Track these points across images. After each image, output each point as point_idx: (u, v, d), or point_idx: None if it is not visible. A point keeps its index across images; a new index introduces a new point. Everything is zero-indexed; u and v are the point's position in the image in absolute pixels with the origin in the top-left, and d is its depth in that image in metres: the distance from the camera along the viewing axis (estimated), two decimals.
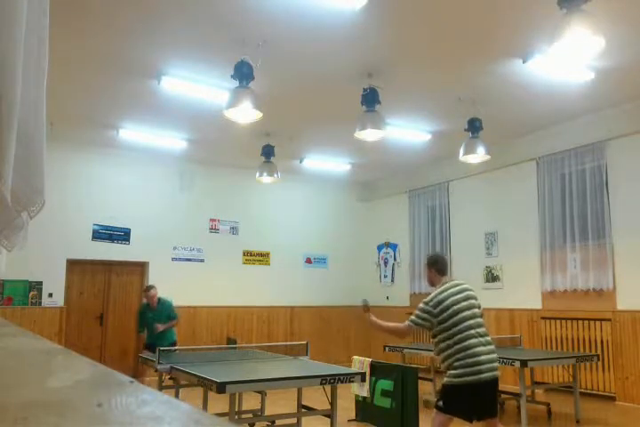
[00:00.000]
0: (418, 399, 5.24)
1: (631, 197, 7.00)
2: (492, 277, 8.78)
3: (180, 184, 9.65)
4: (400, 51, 5.53)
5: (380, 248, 11.26)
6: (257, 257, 10.27)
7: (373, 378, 5.59)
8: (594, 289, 7.30)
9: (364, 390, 5.66)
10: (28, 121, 1.16)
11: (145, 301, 7.15)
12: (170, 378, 5.36)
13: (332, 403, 4.39)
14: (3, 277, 7.90)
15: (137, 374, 8.47)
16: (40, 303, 8.28)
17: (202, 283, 9.46)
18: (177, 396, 5.63)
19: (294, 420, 5.01)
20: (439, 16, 4.85)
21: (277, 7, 4.66)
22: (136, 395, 0.56)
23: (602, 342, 7.14)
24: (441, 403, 3.77)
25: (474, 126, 6.80)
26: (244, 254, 10.14)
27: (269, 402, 5.97)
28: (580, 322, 7.42)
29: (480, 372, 3.66)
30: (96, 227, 8.79)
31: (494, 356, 3.79)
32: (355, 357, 6.00)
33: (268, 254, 10.38)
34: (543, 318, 7.88)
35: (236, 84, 5.33)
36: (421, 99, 6.78)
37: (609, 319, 7.09)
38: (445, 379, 3.78)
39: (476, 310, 3.90)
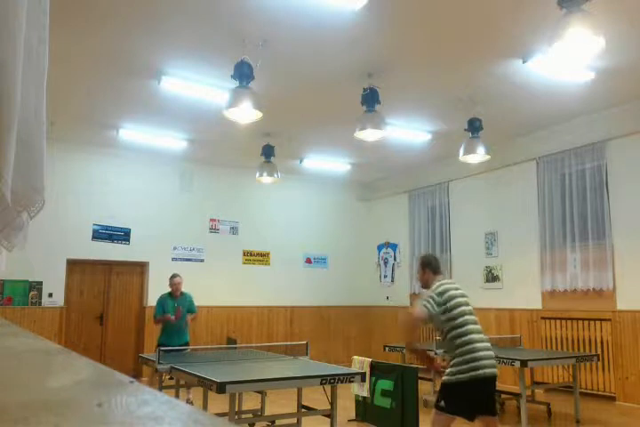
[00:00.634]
0: (418, 399, 5.24)
1: (631, 197, 6.99)
2: (491, 277, 8.78)
3: (179, 184, 9.65)
4: (400, 51, 5.53)
5: (379, 248, 11.26)
6: (257, 257, 10.27)
7: (373, 378, 5.59)
8: (594, 289, 7.30)
9: (363, 390, 5.66)
10: (28, 121, 1.16)
11: (169, 290, 6.92)
12: (170, 378, 5.36)
13: (332, 403, 4.39)
14: (3, 277, 7.90)
15: (137, 375, 8.48)
16: (40, 303, 8.29)
17: (202, 283, 9.45)
18: (177, 396, 5.63)
19: (294, 420, 5.01)
20: (439, 16, 4.85)
21: (277, 7, 4.66)
22: (136, 395, 0.56)
23: (602, 342, 7.14)
24: (442, 403, 3.74)
25: (474, 126, 6.80)
26: (244, 254, 10.14)
27: (269, 402, 5.97)
28: (580, 322, 7.42)
29: (483, 367, 3.64)
30: (96, 227, 8.79)
31: (492, 353, 3.80)
32: (355, 357, 6.00)
33: (267, 254, 10.38)
34: (543, 318, 7.88)
35: (236, 84, 5.33)
36: (421, 99, 6.78)
37: (609, 319, 7.09)
38: (447, 376, 3.74)
39: (472, 309, 3.92)
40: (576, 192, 7.63)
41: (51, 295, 8.37)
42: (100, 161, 8.93)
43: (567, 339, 7.56)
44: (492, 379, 3.74)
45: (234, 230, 10.07)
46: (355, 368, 5.61)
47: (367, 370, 5.54)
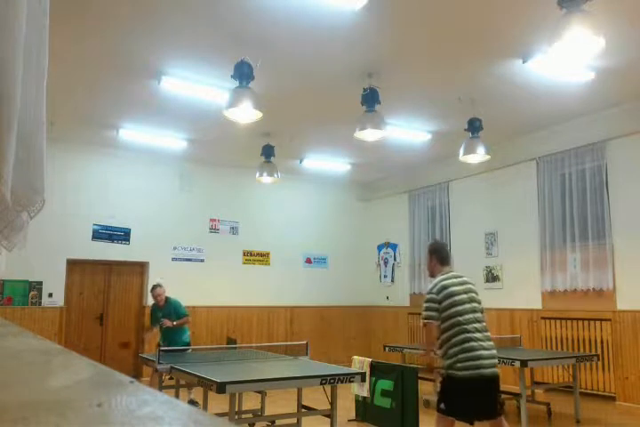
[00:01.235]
0: (418, 399, 5.24)
1: (631, 197, 6.99)
2: (491, 277, 8.78)
3: (179, 184, 9.65)
4: (400, 51, 5.53)
5: (379, 248, 11.26)
6: (257, 257, 10.27)
7: (373, 378, 5.59)
8: (594, 289, 7.30)
9: (363, 390, 5.66)
10: (27, 121, 1.16)
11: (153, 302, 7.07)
12: (170, 378, 5.36)
13: (332, 403, 4.39)
14: (3, 277, 7.90)
15: (137, 375, 8.48)
16: (40, 303, 8.29)
17: (202, 283, 9.46)
18: (177, 396, 5.63)
19: (294, 420, 5.01)
20: (439, 16, 4.85)
21: (277, 7, 4.66)
22: (136, 395, 0.56)
23: (602, 342, 7.14)
24: (442, 405, 3.70)
25: (474, 126, 6.80)
26: (244, 254, 10.14)
27: (269, 402, 5.97)
28: (580, 322, 7.42)
29: (481, 367, 3.58)
30: (96, 227, 8.79)
31: (494, 352, 3.72)
32: (355, 357, 6.00)
33: (267, 254, 10.38)
34: (543, 318, 7.88)
35: (236, 84, 5.33)
36: (421, 99, 6.78)
37: (609, 319, 7.09)
38: (445, 371, 3.69)
39: (477, 305, 3.81)
40: (576, 192, 7.63)
41: (51, 295, 8.37)
42: (100, 161, 8.93)
43: (567, 339, 7.56)
44: (493, 379, 3.68)
45: (234, 230, 10.07)
46: (355, 368, 5.61)
47: (367, 370, 5.54)
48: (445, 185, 9.81)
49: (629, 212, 6.99)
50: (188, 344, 6.84)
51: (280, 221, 10.50)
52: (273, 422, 5.37)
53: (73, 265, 8.71)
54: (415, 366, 5.58)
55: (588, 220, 7.42)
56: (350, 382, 4.33)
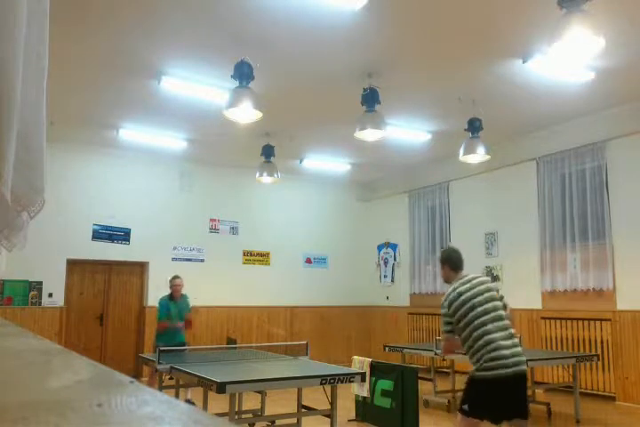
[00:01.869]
0: (418, 399, 5.24)
1: (631, 197, 6.99)
2: (492, 277, 8.77)
3: (179, 184, 9.65)
4: (400, 51, 5.53)
5: (379, 248, 11.26)
6: (257, 257, 10.27)
7: (373, 378, 5.59)
8: (594, 289, 7.30)
9: (364, 390, 5.66)
10: (27, 121, 1.16)
11: (169, 291, 6.77)
12: (170, 378, 5.35)
13: (332, 403, 4.39)
14: (3, 277, 7.90)
15: (137, 375, 8.48)
16: (40, 303, 8.29)
17: (202, 283, 9.45)
18: (177, 396, 5.63)
19: (294, 420, 5.01)
20: (439, 16, 4.85)
21: (277, 7, 4.66)
22: (136, 395, 0.56)
23: (602, 342, 7.14)
24: (466, 406, 3.60)
25: (474, 126, 6.79)
26: (244, 254, 10.14)
27: (269, 402, 5.97)
28: (580, 322, 7.42)
29: (505, 366, 3.49)
30: (96, 227, 8.79)
31: (518, 349, 3.61)
32: (355, 357, 6.00)
33: (268, 254, 10.38)
34: (543, 318, 7.88)
35: (236, 84, 5.33)
36: (421, 99, 6.78)
37: (609, 319, 7.09)
38: (470, 376, 3.63)
39: (497, 304, 3.73)
40: (576, 192, 7.63)
41: (51, 295, 8.37)
42: (100, 161, 8.93)
43: (567, 339, 7.56)
44: (519, 378, 3.56)
45: (234, 230, 10.07)
46: (355, 368, 5.61)
47: (367, 370, 5.54)
48: (445, 185, 9.81)
49: (629, 212, 6.99)
50: (184, 343, 6.73)
51: (280, 221, 10.50)
52: (273, 422, 5.37)
53: (73, 265, 8.71)
54: (415, 366, 5.57)
55: (588, 220, 7.42)
56: (350, 382, 4.33)
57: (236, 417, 4.54)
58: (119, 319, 9.07)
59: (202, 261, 9.67)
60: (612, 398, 6.97)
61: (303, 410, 5.13)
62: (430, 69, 5.96)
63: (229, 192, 10.07)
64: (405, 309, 10.39)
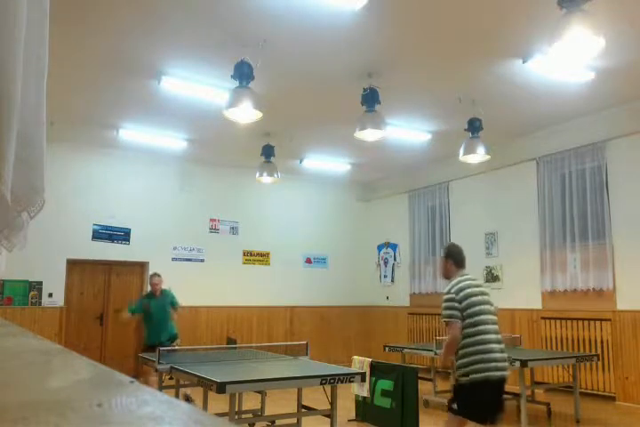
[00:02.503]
0: (418, 399, 5.24)
1: (631, 197, 6.99)
2: (491, 277, 8.78)
3: (180, 184, 9.65)
4: (400, 51, 5.53)
5: (379, 248, 11.26)
6: (257, 257, 10.27)
7: (373, 378, 5.59)
8: (594, 289, 7.30)
9: (364, 390, 5.66)
10: (28, 121, 1.16)
11: (148, 290, 6.99)
12: (170, 378, 5.35)
13: (332, 403, 4.39)
14: (3, 277, 7.90)
15: (137, 375, 8.47)
16: (40, 303, 8.28)
17: (202, 283, 9.46)
18: (177, 396, 5.63)
19: (294, 420, 5.01)
20: (439, 16, 4.85)
21: (277, 7, 4.66)
22: (136, 395, 0.56)
23: (602, 342, 7.14)
24: (455, 405, 3.66)
25: (474, 126, 6.80)
26: (244, 254, 10.14)
27: (269, 402, 5.97)
28: (580, 322, 7.42)
29: (495, 369, 3.55)
30: (96, 227, 8.79)
31: (505, 355, 3.70)
32: (355, 357, 6.00)
33: (268, 254, 10.38)
34: (543, 318, 7.88)
35: (236, 84, 5.33)
36: (421, 99, 6.78)
37: (609, 319, 7.09)
38: (461, 377, 3.65)
39: (491, 308, 3.79)
40: (576, 192, 7.63)
41: (51, 295, 8.37)
42: (100, 161, 8.93)
43: (567, 339, 7.56)
44: (503, 381, 3.66)
45: (234, 230, 10.07)
46: (355, 368, 5.61)
47: (367, 370, 5.54)
48: (445, 185, 9.81)
49: (629, 212, 6.99)
50: (176, 336, 6.79)
51: (280, 221, 10.50)
52: (273, 422, 5.36)
53: (73, 265, 8.71)
54: (415, 366, 5.58)
55: (588, 220, 7.42)
56: (350, 382, 4.33)
57: (236, 417, 4.54)
58: (119, 319, 9.05)
59: (202, 261, 9.67)
60: (612, 398, 6.97)
61: (303, 410, 5.13)
62: (430, 69, 5.95)
63: (229, 192, 10.07)
64: (405, 309, 10.39)
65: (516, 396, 5.89)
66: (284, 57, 5.63)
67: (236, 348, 6.89)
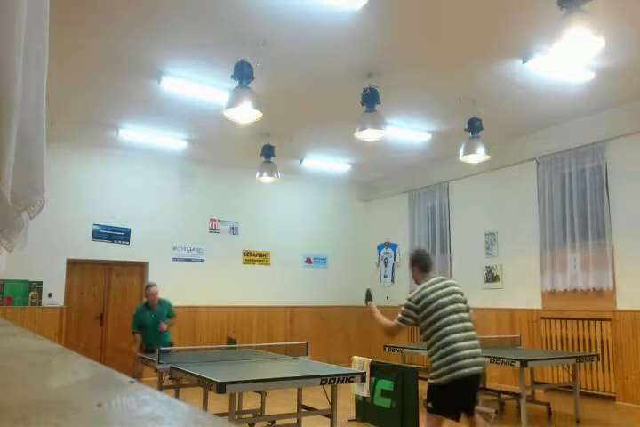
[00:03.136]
0: (418, 399, 5.24)
1: (631, 197, 6.99)
2: (491, 277, 8.78)
3: (180, 184, 9.65)
4: (400, 51, 5.53)
5: (380, 248, 11.26)
6: (257, 257, 10.27)
7: (373, 378, 5.59)
8: (594, 289, 7.30)
9: (364, 390, 5.66)
10: (28, 121, 1.16)
11: (144, 300, 6.95)
12: (170, 378, 5.35)
13: (332, 403, 4.39)
14: (3, 277, 7.90)
15: (137, 375, 8.46)
16: (40, 303, 8.28)
17: (202, 283, 9.46)
18: (177, 396, 5.63)
19: (294, 420, 5.01)
20: (439, 16, 4.85)
21: (277, 7, 4.66)
22: (136, 395, 0.56)
23: (602, 342, 7.14)
24: (430, 404, 3.79)
25: (474, 126, 6.80)
26: (244, 254, 10.14)
27: (269, 402, 5.97)
28: (580, 322, 7.42)
29: (461, 367, 3.66)
30: (96, 227, 8.80)
31: (477, 351, 3.78)
32: (355, 357, 6.00)
33: (268, 254, 10.38)
34: (543, 318, 7.88)
35: (236, 84, 5.33)
36: (421, 99, 6.78)
37: (609, 319, 7.09)
38: (431, 379, 3.80)
39: (461, 305, 3.91)
40: (576, 192, 7.63)
41: (51, 295, 8.37)
42: (100, 161, 8.93)
43: (567, 339, 7.56)
44: (474, 378, 3.74)
45: (234, 230, 10.07)
46: (355, 368, 5.61)
47: (367, 370, 5.54)
48: (445, 185, 9.81)
49: (629, 212, 6.99)
50: (171, 344, 6.74)
51: (280, 221, 10.50)
52: (273, 422, 5.36)
53: (73, 265, 8.71)
54: (415, 366, 5.58)
55: (588, 220, 7.42)
56: (350, 382, 4.33)
57: (236, 417, 4.54)
58: (119, 319, 9.06)
59: (202, 261, 9.67)
60: (612, 398, 6.97)
61: (303, 410, 5.14)
62: (430, 69, 5.96)
63: (229, 192, 10.07)
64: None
65: (516, 396, 5.90)
66: (283, 57, 5.63)
67: (235, 348, 6.89)
